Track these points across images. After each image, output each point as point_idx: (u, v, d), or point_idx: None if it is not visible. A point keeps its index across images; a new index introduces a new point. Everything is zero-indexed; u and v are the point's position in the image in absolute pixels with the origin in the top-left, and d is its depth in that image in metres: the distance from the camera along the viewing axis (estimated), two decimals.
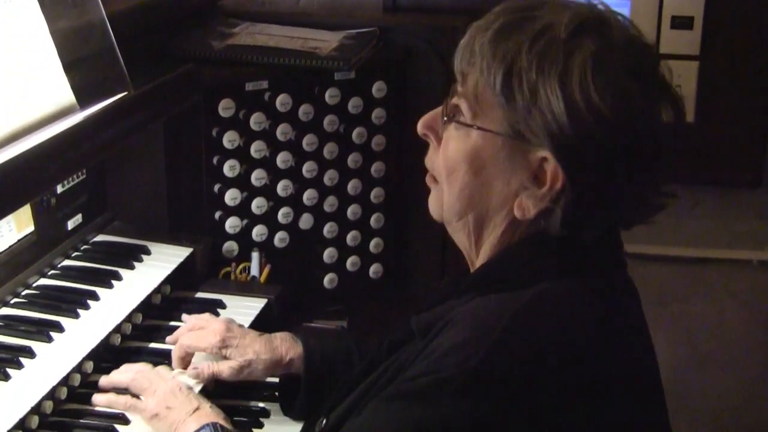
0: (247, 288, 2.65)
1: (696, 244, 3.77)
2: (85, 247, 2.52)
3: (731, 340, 3.86)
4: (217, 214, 2.74)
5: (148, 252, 2.52)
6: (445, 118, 1.74)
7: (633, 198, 1.68)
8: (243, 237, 2.77)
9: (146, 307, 2.36)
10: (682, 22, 3.46)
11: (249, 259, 2.72)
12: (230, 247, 2.76)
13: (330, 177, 2.89)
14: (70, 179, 2.45)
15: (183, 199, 2.67)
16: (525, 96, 1.62)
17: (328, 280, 2.95)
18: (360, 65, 2.79)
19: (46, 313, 2.20)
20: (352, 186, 2.94)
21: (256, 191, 2.77)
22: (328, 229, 2.92)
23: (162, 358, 2.22)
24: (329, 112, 2.85)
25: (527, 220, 1.68)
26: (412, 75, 2.94)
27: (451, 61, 1.73)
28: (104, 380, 2.11)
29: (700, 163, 3.47)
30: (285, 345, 2.17)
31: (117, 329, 2.23)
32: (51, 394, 1.99)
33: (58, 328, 2.15)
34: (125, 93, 2.30)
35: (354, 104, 2.88)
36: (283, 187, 2.81)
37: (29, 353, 2.05)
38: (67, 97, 2.19)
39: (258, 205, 2.78)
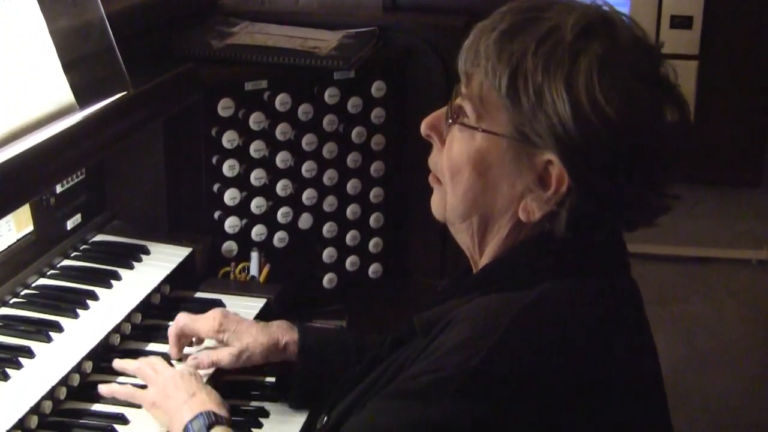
0: (247, 288, 2.65)
1: (696, 244, 3.77)
2: (84, 246, 2.52)
3: (731, 339, 3.87)
4: (217, 214, 2.74)
5: (147, 252, 2.52)
6: (450, 120, 1.73)
7: (638, 200, 1.67)
8: (242, 237, 2.77)
9: (145, 307, 2.36)
10: (681, 22, 3.46)
11: (248, 259, 2.72)
12: (229, 246, 2.75)
13: (329, 177, 2.89)
14: (70, 179, 2.44)
15: (182, 199, 2.67)
16: (530, 98, 1.61)
17: (328, 279, 2.95)
18: (359, 65, 2.79)
19: (45, 313, 2.20)
20: (352, 186, 2.94)
21: (256, 191, 2.77)
22: (328, 229, 2.92)
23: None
24: (328, 112, 2.85)
25: (532, 222, 1.67)
26: (411, 74, 2.94)
27: (455, 61, 1.73)
28: (117, 363, 2.15)
29: (700, 162, 3.47)
30: (281, 330, 2.20)
31: (116, 329, 2.23)
32: (50, 394, 1.99)
33: (58, 328, 2.15)
34: (124, 92, 2.30)
35: (353, 104, 2.87)
36: (282, 187, 2.81)
37: (28, 353, 2.05)
38: (67, 96, 2.19)
39: (257, 204, 2.78)
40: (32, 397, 1.94)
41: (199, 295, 2.54)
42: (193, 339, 2.25)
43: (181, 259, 2.52)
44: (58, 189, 2.41)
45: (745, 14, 3.46)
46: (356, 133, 2.90)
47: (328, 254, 2.93)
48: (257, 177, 2.75)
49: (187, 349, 2.24)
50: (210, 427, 1.90)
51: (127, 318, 2.28)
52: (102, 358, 2.17)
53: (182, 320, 2.21)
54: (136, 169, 2.62)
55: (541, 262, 1.68)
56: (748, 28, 3.46)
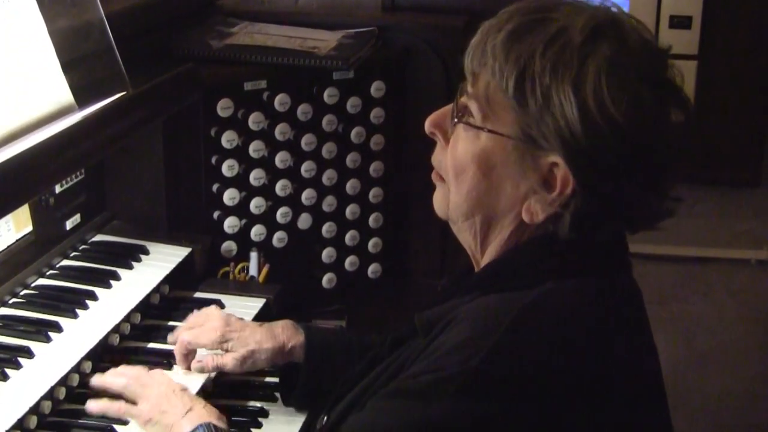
0: (246, 288, 2.64)
1: (695, 244, 3.77)
2: (83, 246, 2.52)
3: (730, 339, 3.87)
4: (216, 214, 2.74)
5: (146, 252, 2.52)
6: (455, 119, 1.72)
7: (642, 203, 1.66)
8: (242, 237, 2.76)
9: (145, 307, 2.36)
10: (680, 22, 3.46)
11: (248, 259, 2.72)
12: (229, 246, 2.75)
13: (329, 177, 2.88)
14: (69, 179, 2.44)
15: (182, 199, 2.67)
16: (538, 100, 1.60)
17: (327, 279, 2.95)
18: (359, 65, 2.78)
19: (44, 313, 2.19)
20: (351, 186, 2.93)
21: (255, 191, 2.77)
22: (327, 229, 2.92)
23: (161, 358, 2.22)
24: (328, 112, 2.85)
25: (535, 224, 1.67)
26: (410, 74, 2.94)
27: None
28: (96, 380, 2.07)
29: (699, 162, 3.47)
30: (286, 333, 2.19)
31: (115, 329, 2.23)
32: (50, 394, 1.98)
33: (57, 328, 2.14)
34: (124, 92, 2.30)
35: (353, 104, 2.87)
36: (281, 187, 2.81)
37: (28, 353, 2.04)
38: (66, 96, 2.19)
39: (257, 204, 2.78)
40: (32, 398, 1.94)
41: (198, 295, 2.54)
42: None
43: (180, 259, 2.51)
44: (58, 189, 2.41)
45: (745, 14, 3.46)
46: (355, 133, 2.90)
47: (327, 254, 2.93)
48: (256, 177, 2.75)
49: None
50: None
51: (127, 318, 2.27)
52: (101, 359, 2.17)
53: (186, 338, 2.19)
54: (135, 169, 2.61)
55: (544, 263, 1.67)
56: (747, 28, 3.47)
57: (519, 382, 1.55)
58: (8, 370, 1.98)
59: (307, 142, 2.82)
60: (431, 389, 1.56)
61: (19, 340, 2.09)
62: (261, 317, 2.45)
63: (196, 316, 2.26)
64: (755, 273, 3.79)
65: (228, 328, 2.18)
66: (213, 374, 2.20)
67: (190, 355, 2.19)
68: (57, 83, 2.17)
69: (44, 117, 2.11)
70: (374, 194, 2.97)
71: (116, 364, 2.14)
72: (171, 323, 2.36)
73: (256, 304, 2.51)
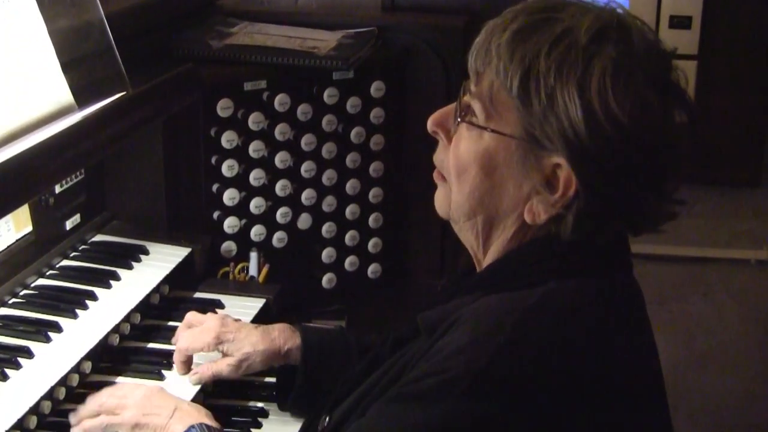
0: (246, 288, 2.64)
1: (695, 244, 3.77)
2: (83, 247, 2.52)
3: (730, 339, 3.87)
4: (216, 214, 2.74)
5: (146, 252, 2.52)
6: (458, 118, 1.72)
7: (645, 205, 1.66)
8: (241, 237, 2.77)
9: (145, 307, 2.36)
10: (680, 22, 3.46)
11: (247, 259, 2.72)
12: (229, 246, 2.75)
13: (328, 177, 2.88)
14: (69, 179, 2.44)
15: (181, 199, 2.67)
16: (542, 101, 1.59)
17: (327, 279, 2.95)
18: (358, 65, 2.79)
19: (44, 313, 2.19)
20: (351, 186, 2.93)
21: (255, 191, 2.77)
22: (327, 229, 2.92)
23: (160, 358, 2.23)
24: (328, 112, 2.85)
25: (537, 224, 1.67)
26: (410, 74, 2.94)
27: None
28: (73, 419, 2.02)
29: (699, 162, 3.46)
30: (283, 336, 2.18)
31: (115, 329, 2.23)
32: (49, 395, 1.98)
33: (57, 328, 2.14)
34: (124, 92, 2.30)
35: (352, 104, 2.87)
36: (281, 187, 2.81)
37: (27, 353, 2.04)
38: (66, 96, 2.19)
39: (256, 204, 2.78)
40: (31, 398, 1.93)
41: (198, 295, 2.54)
42: None
43: (180, 260, 2.51)
44: (57, 189, 2.41)
45: (745, 14, 3.46)
46: (355, 134, 2.90)
47: (327, 254, 2.93)
48: (256, 177, 2.75)
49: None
50: None
51: (126, 318, 2.27)
52: (101, 359, 2.17)
53: (183, 345, 2.18)
54: (135, 169, 2.61)
55: (545, 263, 1.67)
56: (747, 28, 3.47)
57: (522, 383, 1.54)
58: (8, 370, 1.98)
59: (306, 142, 2.82)
60: (435, 392, 1.55)
61: (18, 340, 2.09)
62: (261, 317, 2.45)
63: (192, 315, 2.26)
64: (755, 273, 3.79)
65: (224, 328, 2.17)
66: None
67: (188, 361, 2.19)
68: (57, 83, 2.17)
69: (44, 117, 2.11)
70: (374, 194, 2.97)
71: (116, 365, 2.14)
72: (171, 323, 2.36)
73: (255, 304, 2.51)
